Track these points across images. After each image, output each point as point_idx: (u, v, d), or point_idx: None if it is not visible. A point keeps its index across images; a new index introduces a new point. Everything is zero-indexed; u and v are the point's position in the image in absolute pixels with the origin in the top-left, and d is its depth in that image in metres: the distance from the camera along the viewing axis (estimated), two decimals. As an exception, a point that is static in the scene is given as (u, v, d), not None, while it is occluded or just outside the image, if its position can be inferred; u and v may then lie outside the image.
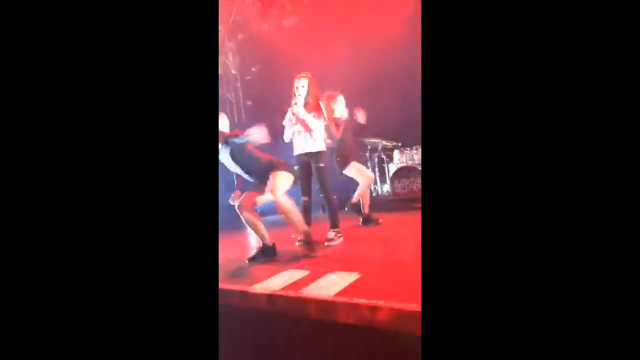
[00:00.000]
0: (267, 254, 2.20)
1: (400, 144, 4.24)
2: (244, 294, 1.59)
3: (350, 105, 3.13)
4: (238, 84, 5.85)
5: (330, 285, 1.48)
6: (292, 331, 1.40)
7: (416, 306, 1.07)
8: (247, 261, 2.19)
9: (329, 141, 2.78)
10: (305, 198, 2.54)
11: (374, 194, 4.43)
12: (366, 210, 3.02)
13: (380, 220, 3.00)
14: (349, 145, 2.99)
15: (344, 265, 1.80)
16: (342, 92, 2.99)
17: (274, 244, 2.24)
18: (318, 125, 2.44)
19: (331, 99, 2.89)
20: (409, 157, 4.11)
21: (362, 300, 1.24)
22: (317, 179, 2.48)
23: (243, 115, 5.81)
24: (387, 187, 4.43)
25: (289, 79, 2.55)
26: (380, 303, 1.19)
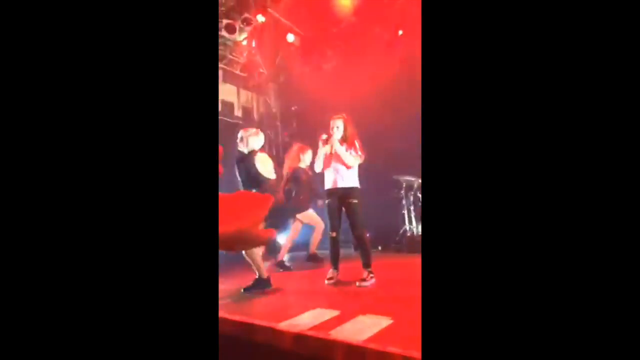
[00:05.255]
0: (262, 286, 2.39)
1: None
2: (270, 330, 1.54)
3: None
4: (278, 122, 6.16)
5: (361, 328, 1.40)
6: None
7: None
8: (242, 290, 2.38)
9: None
10: (334, 234, 2.50)
11: (408, 234, 4.27)
12: (313, 249, 3.50)
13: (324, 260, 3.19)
14: (307, 192, 3.43)
15: (375, 307, 1.71)
16: (310, 147, 3.47)
17: (268, 277, 2.44)
18: (354, 161, 2.47)
19: (302, 150, 3.45)
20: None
21: (395, 349, 1.15)
22: (350, 215, 2.45)
23: (281, 151, 6.04)
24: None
25: (325, 118, 2.65)
26: (414, 353, 1.09)
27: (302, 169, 3.48)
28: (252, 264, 2.41)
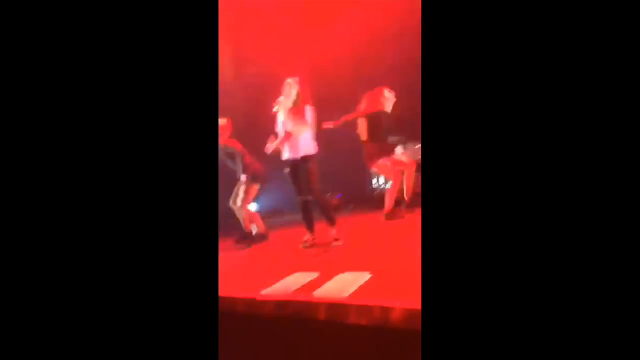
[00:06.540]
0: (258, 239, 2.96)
1: (404, 139, 4.20)
2: (251, 302, 1.54)
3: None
4: (236, 89, 5.84)
5: (342, 287, 1.43)
6: (302, 336, 1.35)
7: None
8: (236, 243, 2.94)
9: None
10: (304, 197, 2.48)
11: (377, 192, 4.39)
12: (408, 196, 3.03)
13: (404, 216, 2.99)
14: (379, 142, 3.02)
15: (355, 264, 1.75)
16: (388, 88, 3.03)
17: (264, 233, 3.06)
18: (300, 130, 2.37)
19: (379, 94, 2.98)
20: (413, 153, 4.05)
21: (374, 302, 1.19)
22: (304, 181, 2.42)
23: (240, 119, 5.79)
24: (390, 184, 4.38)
25: (282, 81, 2.51)
26: (395, 303, 1.14)
27: (384, 112, 2.96)
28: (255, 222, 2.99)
